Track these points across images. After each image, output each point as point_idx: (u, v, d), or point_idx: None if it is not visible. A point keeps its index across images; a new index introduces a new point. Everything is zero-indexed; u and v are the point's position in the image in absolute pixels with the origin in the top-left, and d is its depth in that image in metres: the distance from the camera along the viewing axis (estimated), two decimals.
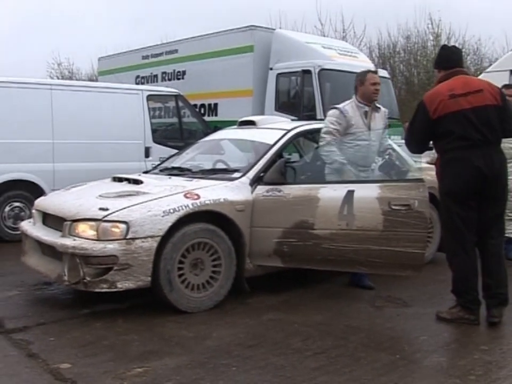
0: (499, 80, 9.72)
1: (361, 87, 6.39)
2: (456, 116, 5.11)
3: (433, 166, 6.60)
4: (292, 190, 5.92)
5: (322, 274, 6.38)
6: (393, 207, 5.58)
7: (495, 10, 25.47)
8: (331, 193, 5.81)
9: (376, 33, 24.84)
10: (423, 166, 7.02)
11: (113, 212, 5.33)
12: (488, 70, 11.18)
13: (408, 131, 5.58)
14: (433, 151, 6.40)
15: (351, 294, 6.19)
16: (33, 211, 6.41)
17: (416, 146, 5.58)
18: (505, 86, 6.67)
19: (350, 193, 5.69)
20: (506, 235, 6.74)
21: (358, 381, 4.05)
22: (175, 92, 11.43)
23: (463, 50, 22.07)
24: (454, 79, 5.30)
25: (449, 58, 5.49)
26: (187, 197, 5.57)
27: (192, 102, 12.45)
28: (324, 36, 22.27)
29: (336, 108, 6.44)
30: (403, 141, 6.19)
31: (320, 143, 6.38)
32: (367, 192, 5.74)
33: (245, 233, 5.82)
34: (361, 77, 6.45)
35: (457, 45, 21.62)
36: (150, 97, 10.79)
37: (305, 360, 4.39)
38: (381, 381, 4.05)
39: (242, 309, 5.63)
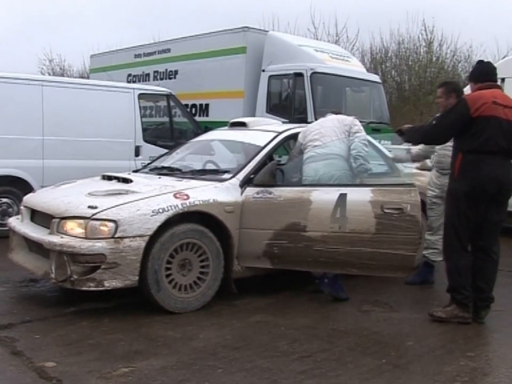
0: None
1: None
2: (494, 120, 5.31)
3: (423, 172, 6.65)
4: (283, 192, 5.92)
5: (310, 277, 6.36)
6: (386, 210, 5.65)
7: (487, 18, 25.61)
8: (324, 196, 5.83)
9: (369, 37, 24.91)
10: (414, 171, 7.05)
11: (102, 210, 5.31)
12: None
13: (440, 119, 5.67)
14: (416, 147, 6.50)
15: (332, 296, 6.14)
16: (22, 207, 6.38)
17: (442, 135, 5.64)
18: (438, 86, 6.78)
19: (343, 196, 5.73)
20: (427, 256, 6.85)
21: None
22: (167, 91, 11.40)
23: (454, 57, 22.18)
24: (493, 90, 5.50)
25: (487, 73, 5.69)
26: (176, 197, 5.56)
27: (184, 102, 12.43)
28: (317, 39, 22.30)
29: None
30: (393, 146, 6.24)
31: (364, 141, 6.34)
32: (359, 196, 5.78)
33: (233, 234, 5.81)
34: None
35: (449, 52, 22.00)
36: (141, 96, 10.75)
37: (291, 363, 4.38)
38: None
39: (230, 311, 5.62)
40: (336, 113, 6.80)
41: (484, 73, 5.69)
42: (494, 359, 4.66)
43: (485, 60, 6.13)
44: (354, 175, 6.26)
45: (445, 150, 6.27)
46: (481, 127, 5.31)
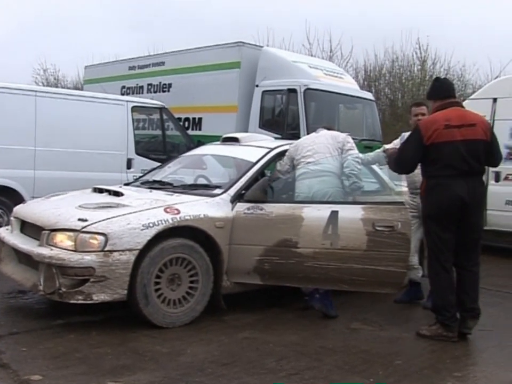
0: (482, 108, 9.86)
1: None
2: (447, 145, 5.39)
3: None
4: (274, 209, 5.94)
5: (299, 294, 6.36)
6: (377, 228, 5.72)
7: (481, 37, 25.77)
8: (315, 213, 5.86)
9: (363, 54, 24.96)
10: (403, 189, 7.07)
11: (92, 223, 5.30)
12: (471, 97, 11.29)
13: (400, 151, 5.79)
14: (396, 140, 6.54)
15: (322, 313, 6.12)
16: (12, 218, 6.36)
17: (405, 166, 5.79)
18: (416, 104, 6.79)
19: (335, 213, 5.77)
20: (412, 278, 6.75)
21: None
22: (160, 105, 11.41)
23: (448, 76, 22.23)
24: (451, 110, 5.56)
25: (445, 89, 5.77)
26: (167, 212, 5.55)
27: (177, 115, 12.44)
28: (312, 55, 22.32)
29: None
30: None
31: (356, 159, 6.36)
32: (351, 213, 5.83)
33: (223, 250, 5.81)
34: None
35: (442, 70, 22.12)
36: (134, 109, 10.76)
37: (278, 381, 4.36)
38: None
39: (218, 326, 5.61)
40: (329, 129, 6.81)
41: (443, 90, 5.77)
42: (481, 380, 4.65)
43: (447, 79, 6.19)
44: (347, 193, 6.26)
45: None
46: (435, 154, 5.42)
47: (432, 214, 5.51)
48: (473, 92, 12.83)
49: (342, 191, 6.24)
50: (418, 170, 6.16)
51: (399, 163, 5.82)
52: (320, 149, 6.39)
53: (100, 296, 5.21)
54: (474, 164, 5.47)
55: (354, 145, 6.49)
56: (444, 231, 5.48)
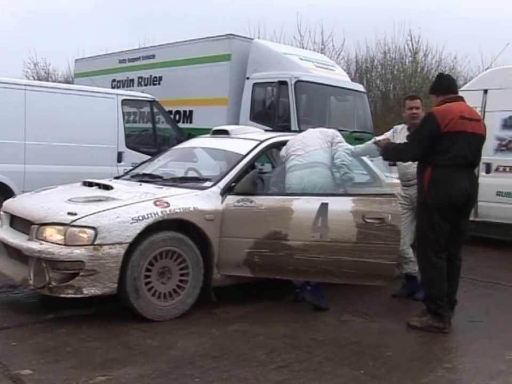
0: (473, 100, 9.87)
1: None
2: (462, 136, 5.49)
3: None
4: (264, 201, 5.93)
5: (289, 286, 6.36)
6: (367, 220, 5.72)
7: (472, 29, 25.76)
8: (305, 205, 5.85)
9: (355, 47, 24.93)
10: (394, 181, 7.07)
11: (82, 217, 5.28)
12: (463, 88, 11.27)
13: (412, 138, 5.81)
14: (388, 132, 6.55)
15: (312, 305, 6.12)
16: (1, 213, 6.34)
17: (416, 154, 5.72)
18: (410, 97, 6.79)
19: (324, 205, 5.76)
20: (408, 272, 6.75)
21: None
22: (150, 98, 11.40)
23: (439, 68, 22.25)
24: (459, 104, 5.67)
25: (449, 85, 5.86)
26: (157, 205, 5.54)
27: (168, 109, 12.44)
28: (303, 47, 22.27)
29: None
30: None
31: (347, 151, 6.40)
32: (341, 205, 5.82)
33: (213, 242, 5.80)
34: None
35: (434, 62, 22.12)
36: (125, 102, 10.77)
37: (268, 373, 4.37)
38: None
39: (208, 319, 5.61)
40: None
41: (446, 86, 5.85)
42: (471, 370, 4.66)
43: (449, 75, 6.27)
44: (338, 184, 6.27)
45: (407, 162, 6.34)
46: (450, 142, 5.46)
47: (436, 203, 5.50)
48: (465, 84, 12.79)
49: (333, 182, 6.24)
50: (410, 162, 6.18)
51: (410, 151, 5.76)
52: (310, 142, 6.40)
53: (90, 290, 5.20)
54: (477, 157, 5.72)
55: (343, 139, 6.53)
56: (444, 221, 5.53)
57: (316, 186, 6.11)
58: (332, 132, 6.53)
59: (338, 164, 6.23)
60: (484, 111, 10.45)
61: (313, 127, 6.93)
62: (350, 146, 6.52)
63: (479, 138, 5.69)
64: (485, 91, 10.62)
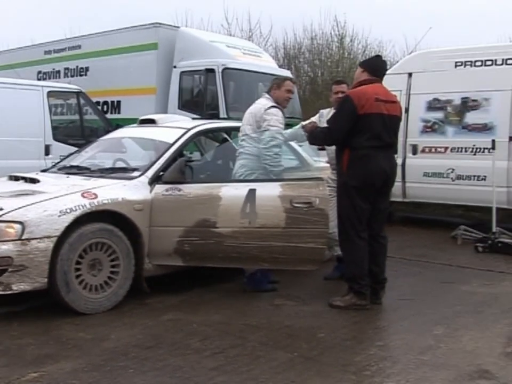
0: (398, 83, 10.03)
1: (277, 91, 6.39)
2: (377, 117, 5.61)
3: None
4: (192, 189, 5.93)
5: (224, 273, 6.39)
6: (295, 204, 5.76)
7: (396, 14, 26.17)
8: (233, 191, 5.88)
9: (282, 33, 25.09)
10: (322, 165, 7.14)
11: (8, 212, 5.18)
12: (388, 72, 11.46)
13: (332, 122, 5.87)
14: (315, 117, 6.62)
15: (250, 292, 6.21)
16: None
17: (336, 137, 5.77)
18: (336, 82, 6.91)
19: (252, 191, 5.79)
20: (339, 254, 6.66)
21: (256, 380, 4.07)
22: (77, 89, 11.23)
23: (365, 52, 22.55)
24: (375, 86, 5.76)
25: (380, 69, 5.97)
26: (84, 196, 5.48)
27: (95, 99, 12.28)
28: (231, 35, 22.27)
29: (277, 107, 6.24)
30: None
31: (272, 143, 6.04)
32: (268, 191, 5.85)
33: (143, 232, 5.77)
34: (280, 81, 6.49)
35: (360, 47, 22.38)
36: (50, 94, 10.55)
37: (203, 360, 4.38)
38: (278, 379, 4.08)
39: (141, 310, 5.59)
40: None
41: (379, 68, 5.97)
42: (402, 347, 4.76)
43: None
44: (268, 171, 6.22)
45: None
46: (366, 124, 5.58)
47: (358, 184, 5.60)
48: (390, 68, 13.00)
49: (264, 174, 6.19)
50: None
51: (331, 134, 5.80)
52: (244, 121, 6.40)
53: (19, 286, 5.11)
54: (394, 138, 5.86)
55: (273, 118, 6.13)
56: (364, 202, 5.65)
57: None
58: (260, 114, 6.19)
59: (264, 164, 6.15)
60: (409, 94, 10.65)
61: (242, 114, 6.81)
62: (276, 134, 6.39)
63: (395, 120, 5.85)
64: (410, 74, 10.81)
